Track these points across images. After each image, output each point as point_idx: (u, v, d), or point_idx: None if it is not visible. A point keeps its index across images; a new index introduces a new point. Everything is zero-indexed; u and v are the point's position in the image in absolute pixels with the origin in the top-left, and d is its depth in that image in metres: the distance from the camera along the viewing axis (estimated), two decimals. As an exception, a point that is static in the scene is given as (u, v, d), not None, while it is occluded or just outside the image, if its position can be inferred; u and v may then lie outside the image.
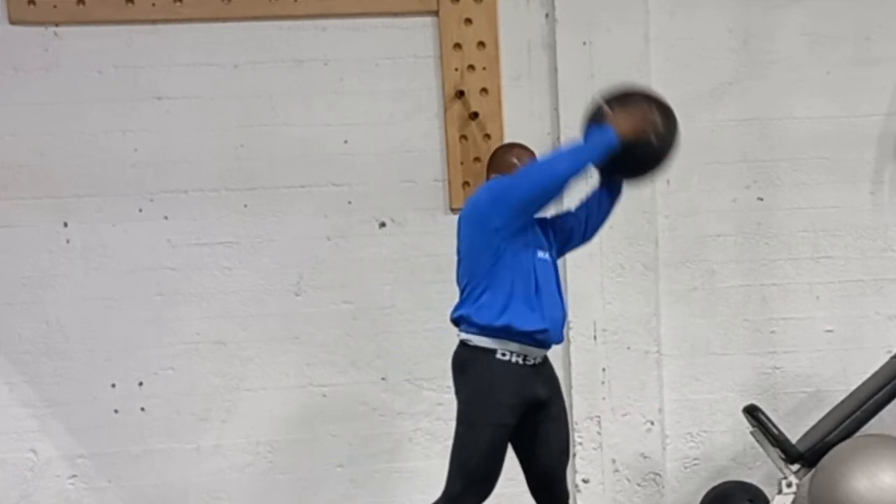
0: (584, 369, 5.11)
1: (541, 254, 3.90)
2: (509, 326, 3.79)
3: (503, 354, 3.81)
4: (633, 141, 3.86)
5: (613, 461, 5.17)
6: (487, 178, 4.08)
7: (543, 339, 3.85)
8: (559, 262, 4.07)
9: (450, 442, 3.90)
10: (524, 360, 3.84)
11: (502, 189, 3.84)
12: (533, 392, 3.86)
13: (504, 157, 4.07)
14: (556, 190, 3.81)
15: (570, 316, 4.85)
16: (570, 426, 4.12)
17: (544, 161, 3.93)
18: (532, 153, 4.07)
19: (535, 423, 3.91)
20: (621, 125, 3.85)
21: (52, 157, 4.93)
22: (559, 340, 3.94)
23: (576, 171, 3.79)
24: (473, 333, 3.84)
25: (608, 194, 4.09)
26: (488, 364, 3.81)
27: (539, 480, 4.02)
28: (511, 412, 3.82)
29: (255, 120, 5.01)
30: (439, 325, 4.95)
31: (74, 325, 4.96)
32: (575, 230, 4.09)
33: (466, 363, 3.88)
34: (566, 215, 4.11)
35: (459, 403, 3.89)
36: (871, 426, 4.71)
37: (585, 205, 4.10)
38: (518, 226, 3.81)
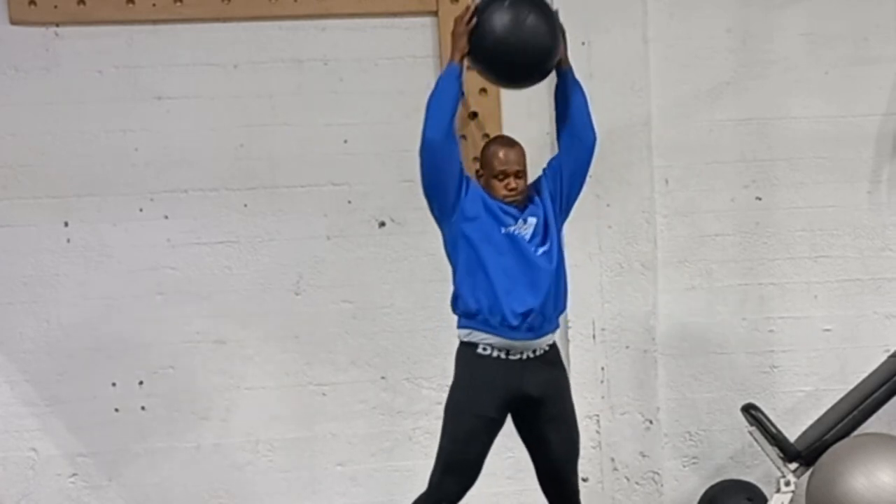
0: (582, 368, 5.11)
1: (504, 230, 3.90)
2: (469, 312, 3.89)
3: (484, 349, 3.89)
4: (474, 44, 3.86)
5: (612, 460, 5.18)
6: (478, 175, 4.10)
7: (504, 321, 3.84)
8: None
9: (450, 441, 3.92)
10: (507, 354, 3.88)
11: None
12: (518, 386, 3.88)
13: (482, 152, 4.10)
14: (436, 145, 3.82)
15: (569, 315, 4.87)
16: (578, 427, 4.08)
17: None
18: (510, 143, 4.03)
19: (532, 422, 3.95)
20: (451, 52, 3.92)
21: (52, 157, 4.94)
22: (529, 322, 3.87)
23: (437, 120, 3.82)
24: (459, 326, 3.96)
25: (563, 86, 4.03)
26: (470, 357, 3.92)
27: (546, 479, 4.07)
28: (491, 403, 3.87)
29: (255, 120, 5.02)
30: (438, 325, 4.99)
31: (75, 324, 4.97)
32: (565, 148, 4.03)
33: (457, 359, 3.99)
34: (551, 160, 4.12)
35: (447, 396, 3.98)
36: (869, 425, 4.72)
37: (557, 119, 4.07)
38: (449, 199, 3.87)
